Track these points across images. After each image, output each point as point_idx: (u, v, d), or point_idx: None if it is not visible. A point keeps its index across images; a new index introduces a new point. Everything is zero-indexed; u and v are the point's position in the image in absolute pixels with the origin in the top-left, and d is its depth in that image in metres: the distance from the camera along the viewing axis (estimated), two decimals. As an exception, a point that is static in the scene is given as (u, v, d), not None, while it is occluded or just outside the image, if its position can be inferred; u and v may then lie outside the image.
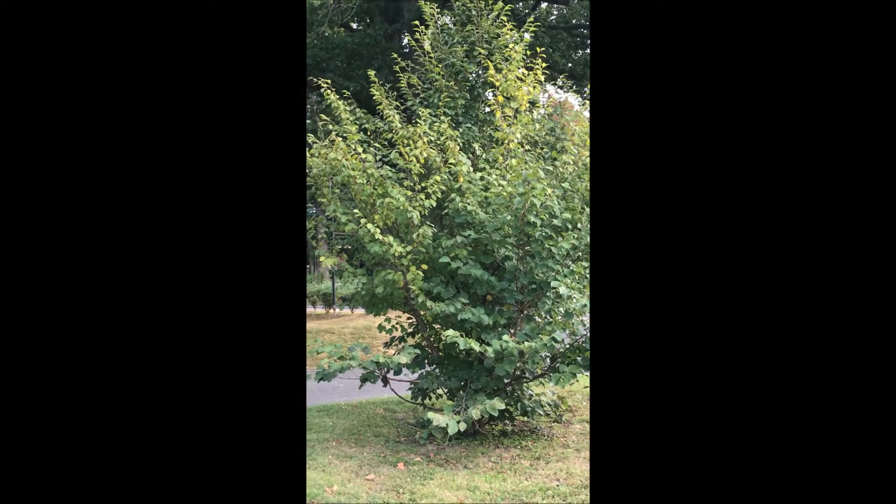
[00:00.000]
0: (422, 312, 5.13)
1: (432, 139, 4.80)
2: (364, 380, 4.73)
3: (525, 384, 5.23)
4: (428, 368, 5.20)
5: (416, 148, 4.57)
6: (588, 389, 6.91)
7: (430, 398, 5.40)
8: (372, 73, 5.39)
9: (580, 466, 4.32)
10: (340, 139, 4.58)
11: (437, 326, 5.35)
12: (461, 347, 4.19)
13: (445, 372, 5.00)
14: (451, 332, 4.21)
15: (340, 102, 5.00)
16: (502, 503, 3.63)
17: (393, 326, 5.36)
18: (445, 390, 5.16)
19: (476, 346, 4.19)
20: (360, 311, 14.48)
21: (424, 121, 4.86)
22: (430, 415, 4.12)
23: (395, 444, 4.99)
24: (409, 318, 5.44)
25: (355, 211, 4.52)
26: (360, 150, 4.55)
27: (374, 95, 5.22)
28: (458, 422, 4.18)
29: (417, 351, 4.64)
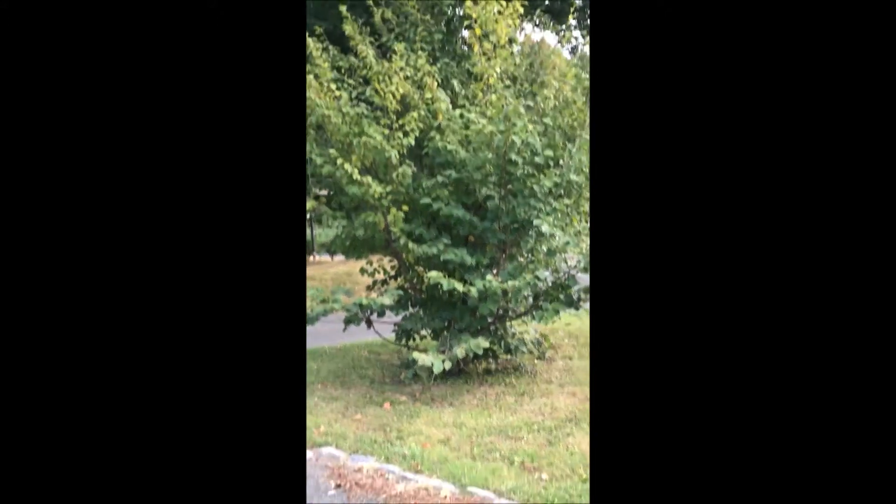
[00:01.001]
0: (404, 255, 5.09)
1: (409, 75, 4.64)
2: (348, 322, 4.71)
3: (508, 323, 5.26)
4: (411, 310, 5.19)
5: (391, 84, 4.42)
6: (569, 326, 6.99)
7: (414, 339, 5.41)
8: (343, 7, 5.15)
9: (564, 401, 4.39)
10: (313, 77, 4.40)
11: (419, 268, 5.32)
12: (444, 288, 4.17)
13: (429, 313, 4.99)
14: (434, 273, 4.18)
15: (311, 40, 4.80)
16: (489, 438, 3.69)
17: (375, 270, 5.32)
18: (429, 331, 5.17)
19: (459, 287, 4.17)
20: (340, 257, 14.43)
21: (400, 56, 4.69)
22: (416, 355, 4.12)
23: (380, 385, 5.02)
24: (391, 261, 5.39)
25: (331, 151, 4.39)
26: (333, 87, 4.39)
27: (346, 32, 5.01)
28: (444, 361, 4.19)
29: (401, 292, 4.62)
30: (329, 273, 12.02)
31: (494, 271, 4.84)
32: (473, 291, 4.22)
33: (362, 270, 5.26)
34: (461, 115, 4.67)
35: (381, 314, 4.87)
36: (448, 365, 4.19)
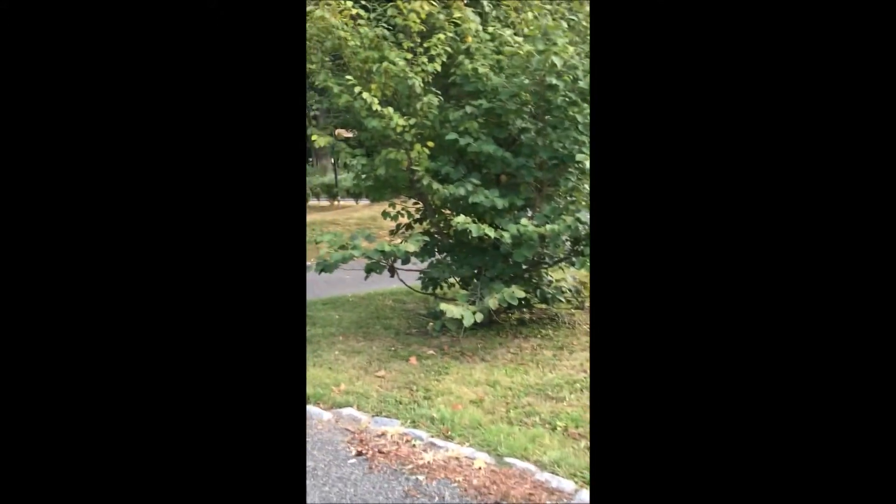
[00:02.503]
0: (429, 196, 4.66)
1: (433, -7, 4.09)
2: (369, 270, 4.33)
3: (544, 270, 4.83)
4: (438, 256, 4.78)
5: (414, 1, 3.88)
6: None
7: (442, 287, 5.04)
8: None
9: (607, 355, 3.99)
10: None
11: (446, 211, 4.89)
12: (474, 234, 3.74)
13: (457, 260, 4.59)
14: (461, 217, 3.74)
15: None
16: (526, 399, 3.32)
17: (398, 213, 4.90)
18: (457, 279, 4.78)
19: (490, 233, 3.73)
20: (366, 202, 14.04)
21: (423, -29, 4.12)
22: (444, 306, 3.74)
23: (405, 337, 4.68)
24: (415, 203, 4.96)
25: (348, 78, 3.91)
26: (349, 4, 3.86)
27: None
28: (474, 312, 3.81)
29: (426, 238, 4.20)
30: (353, 217, 11.64)
31: (529, 213, 4.39)
32: (506, 237, 3.78)
33: (384, 214, 4.84)
34: (492, 38, 4.13)
35: (405, 261, 4.49)
36: (479, 317, 3.81)
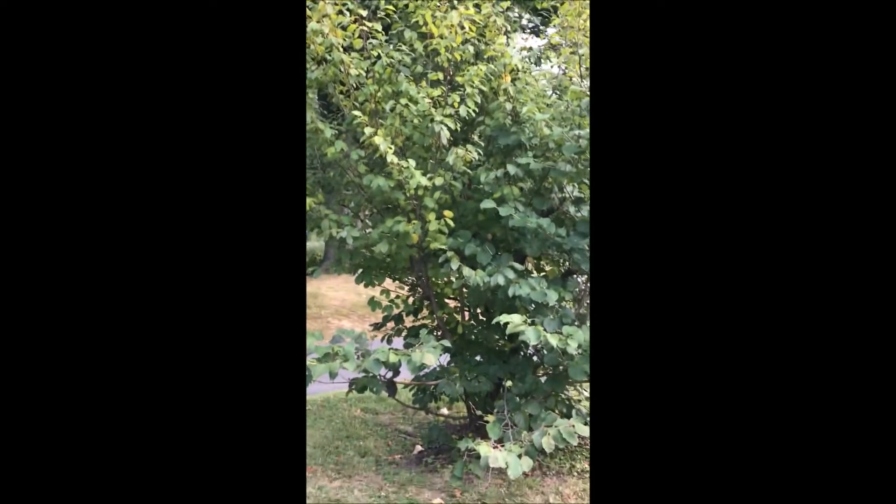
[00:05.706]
0: (430, 281, 3.53)
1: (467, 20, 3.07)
2: (362, 389, 3.08)
3: (578, 384, 3.73)
4: (440, 362, 3.59)
5: (446, 22, 2.85)
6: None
7: (436, 401, 3.84)
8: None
9: None
10: (326, 2, 2.77)
11: (449, 301, 3.77)
12: (531, 342, 2.60)
13: (468, 368, 3.42)
14: (516, 317, 2.61)
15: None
16: None
17: (392, 302, 3.71)
18: (461, 391, 3.59)
19: (554, 342, 2.61)
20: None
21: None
22: (483, 448, 2.54)
23: (393, 470, 3.41)
24: (412, 290, 3.80)
25: (356, 114, 2.77)
26: (362, 13, 2.78)
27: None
28: (520, 455, 2.64)
29: (446, 344, 3.01)
30: (340, 289, 10.17)
31: (575, 313, 3.32)
32: (572, 346, 2.67)
33: (372, 304, 3.63)
34: (530, 80, 3.14)
35: (396, 373, 3.27)
36: (528, 464, 2.63)
